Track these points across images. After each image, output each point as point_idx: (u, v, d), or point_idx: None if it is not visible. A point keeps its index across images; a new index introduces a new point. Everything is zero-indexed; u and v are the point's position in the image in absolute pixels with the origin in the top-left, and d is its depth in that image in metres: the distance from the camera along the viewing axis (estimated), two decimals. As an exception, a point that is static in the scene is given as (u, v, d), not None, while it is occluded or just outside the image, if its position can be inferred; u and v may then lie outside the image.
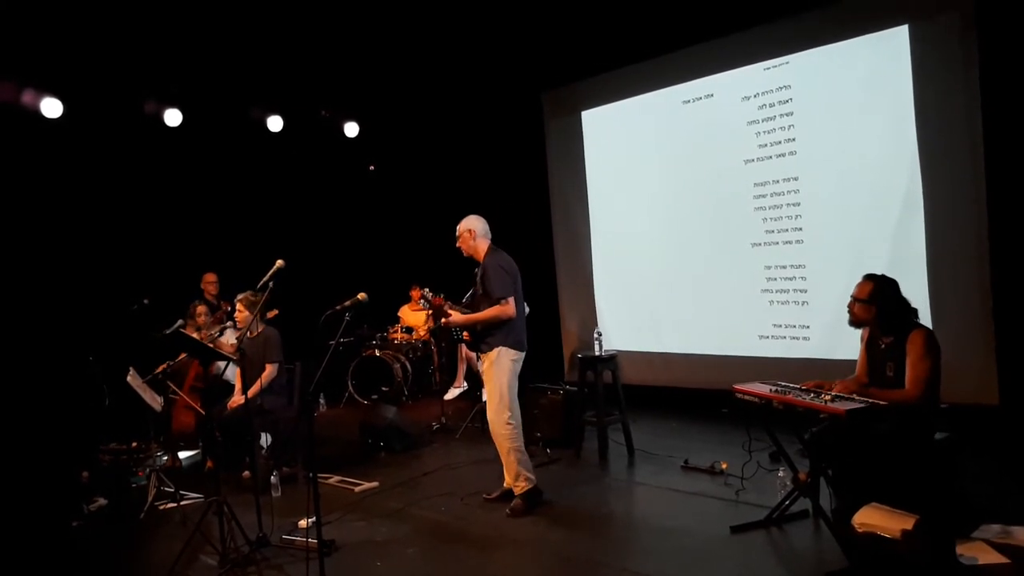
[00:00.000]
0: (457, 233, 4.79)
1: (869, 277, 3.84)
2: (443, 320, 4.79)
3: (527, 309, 5.05)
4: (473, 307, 4.80)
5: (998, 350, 5.14)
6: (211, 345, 5.11)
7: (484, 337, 4.67)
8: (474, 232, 4.76)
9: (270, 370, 5.60)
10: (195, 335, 6.05)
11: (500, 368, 4.63)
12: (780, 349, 6.29)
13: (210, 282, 7.36)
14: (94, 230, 7.42)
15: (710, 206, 6.75)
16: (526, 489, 4.67)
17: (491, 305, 4.61)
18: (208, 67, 7.23)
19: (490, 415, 4.68)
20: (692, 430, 6.34)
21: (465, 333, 4.83)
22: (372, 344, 8.71)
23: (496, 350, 4.63)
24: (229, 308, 6.58)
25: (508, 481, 4.76)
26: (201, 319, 6.69)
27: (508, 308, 4.59)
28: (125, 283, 7.06)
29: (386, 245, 9.83)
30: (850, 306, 3.87)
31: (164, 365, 6.04)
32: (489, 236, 4.83)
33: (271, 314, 6.66)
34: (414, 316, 9.16)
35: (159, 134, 7.59)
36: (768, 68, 6.28)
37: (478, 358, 7.77)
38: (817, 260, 6.06)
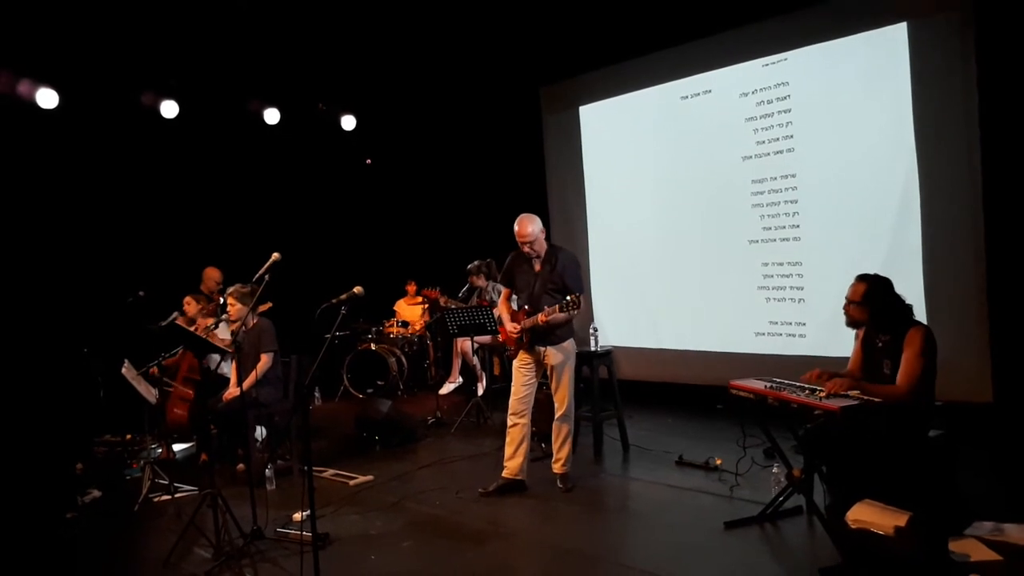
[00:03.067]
0: (532, 238, 4.76)
1: (861, 278, 3.83)
2: (540, 320, 4.71)
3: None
4: (532, 301, 4.83)
5: (992, 348, 5.16)
6: (207, 336, 5.10)
7: (558, 331, 4.80)
8: (544, 230, 4.86)
9: (265, 360, 5.59)
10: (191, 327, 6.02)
11: (572, 359, 4.90)
12: (776, 346, 6.30)
13: (213, 279, 7.28)
14: (90, 222, 7.40)
15: (707, 202, 6.75)
16: (568, 470, 4.98)
17: (558, 296, 4.69)
18: (205, 59, 7.21)
19: (561, 406, 4.87)
20: (687, 426, 6.36)
21: (525, 335, 4.84)
22: (368, 338, 8.70)
23: (568, 341, 4.87)
24: (221, 300, 6.56)
25: (557, 462, 4.96)
26: (190, 308, 6.60)
27: (582, 304, 4.84)
28: (121, 275, 7.04)
29: (382, 239, 9.83)
30: (845, 308, 3.88)
31: (156, 362, 6.02)
32: None
33: (264, 307, 6.64)
34: (410, 310, 9.16)
35: (156, 126, 7.57)
36: (766, 64, 6.27)
37: (473, 351, 7.81)
38: (814, 257, 6.06)
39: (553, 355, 4.83)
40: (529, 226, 4.77)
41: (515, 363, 4.98)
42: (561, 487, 4.92)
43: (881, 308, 3.74)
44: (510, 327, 4.93)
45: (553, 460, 5.00)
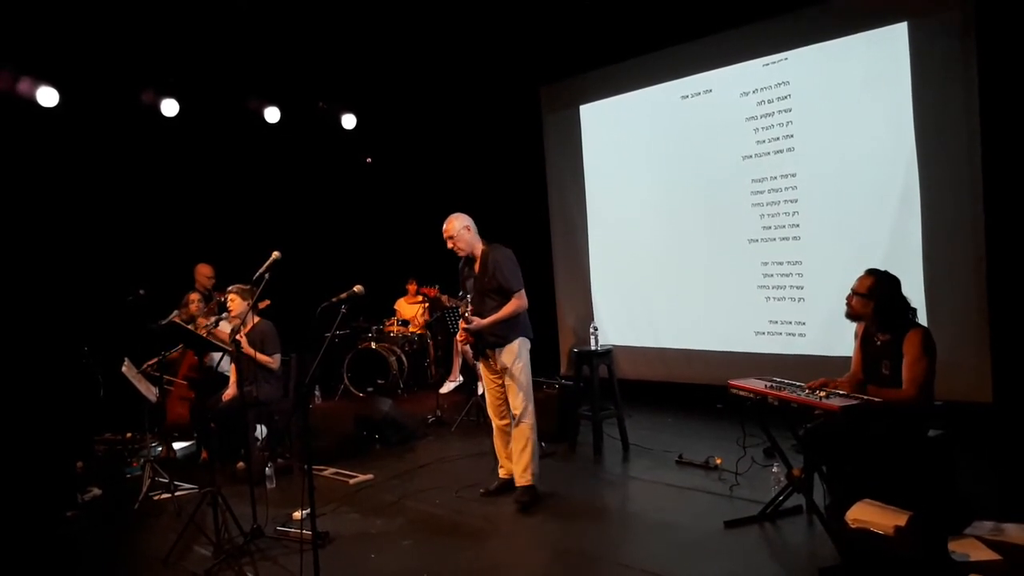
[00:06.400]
0: (452, 233, 4.69)
1: (871, 272, 3.83)
2: (466, 328, 4.70)
3: None
4: (474, 304, 4.75)
5: (992, 348, 5.16)
6: (208, 335, 5.11)
7: (498, 331, 4.65)
8: (471, 228, 4.74)
9: (268, 360, 5.59)
10: (190, 325, 6.03)
11: (522, 359, 4.69)
12: (776, 345, 6.30)
13: (204, 275, 7.29)
14: (90, 220, 7.39)
15: (707, 202, 6.75)
16: (531, 483, 4.69)
17: (498, 298, 4.62)
18: (205, 57, 7.20)
19: (515, 408, 4.69)
20: (687, 425, 6.36)
21: (464, 335, 4.79)
22: (368, 337, 8.71)
23: (516, 341, 4.67)
24: (222, 298, 6.57)
25: (516, 472, 4.73)
26: (194, 307, 6.64)
27: (524, 301, 4.68)
28: (120, 274, 7.04)
29: (383, 238, 9.82)
30: (848, 299, 3.87)
31: (157, 358, 6.02)
32: None
33: (262, 304, 6.65)
34: (410, 309, 9.16)
35: (156, 124, 7.56)
36: (767, 64, 6.27)
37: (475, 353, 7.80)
38: (814, 257, 6.06)
39: (499, 356, 4.70)
40: (448, 223, 4.72)
41: (480, 368, 4.94)
42: (515, 503, 4.65)
43: (885, 305, 3.73)
44: (460, 334, 4.88)
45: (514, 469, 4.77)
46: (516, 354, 4.67)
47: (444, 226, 4.75)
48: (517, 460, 4.72)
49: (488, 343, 4.71)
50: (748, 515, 4.18)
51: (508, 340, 4.66)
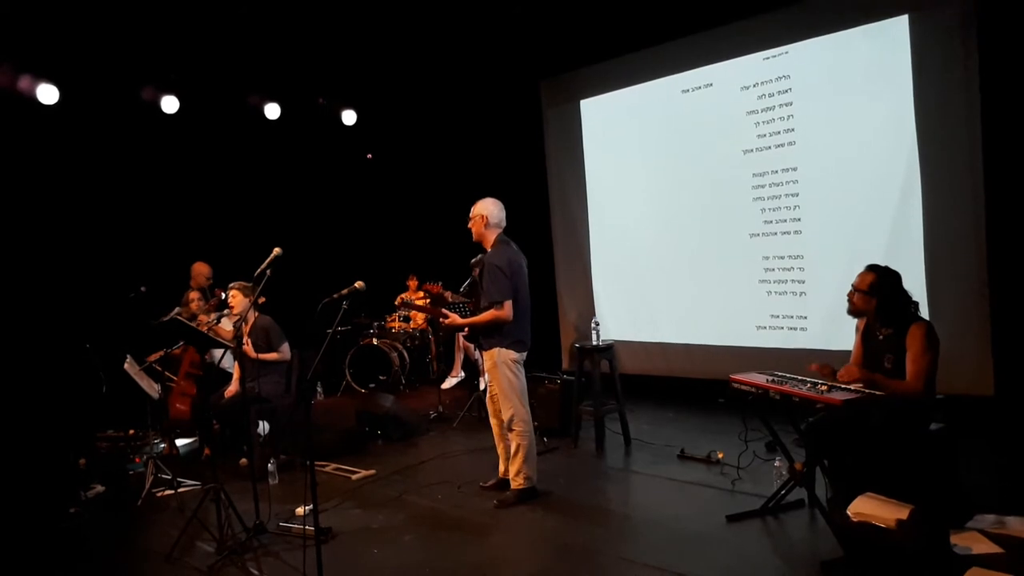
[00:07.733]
0: (470, 215, 4.69)
1: (872, 268, 3.84)
2: (441, 321, 4.73)
3: None
4: (473, 298, 4.76)
5: (994, 341, 5.15)
6: (209, 331, 5.11)
7: (482, 336, 4.64)
8: (486, 219, 4.63)
9: (278, 355, 5.60)
10: (192, 323, 6.04)
11: (503, 368, 4.58)
12: (778, 339, 6.30)
13: (203, 274, 7.25)
14: (91, 217, 7.39)
15: (708, 196, 6.74)
16: (523, 487, 4.67)
17: (488, 301, 4.55)
18: (206, 54, 7.19)
19: (503, 415, 4.66)
20: (689, 420, 6.36)
21: (466, 328, 4.82)
22: (370, 333, 8.71)
23: (494, 350, 4.58)
24: (222, 295, 6.57)
25: (510, 474, 4.74)
26: (195, 305, 6.67)
27: (503, 312, 4.48)
28: (122, 271, 7.04)
29: (384, 234, 9.82)
30: (850, 295, 3.87)
31: (158, 353, 6.03)
32: (502, 225, 4.70)
33: (260, 300, 6.64)
34: (411, 305, 9.16)
35: (156, 121, 7.56)
36: (768, 58, 6.26)
37: (476, 350, 7.81)
38: (815, 251, 6.06)
39: (484, 359, 4.72)
40: (477, 205, 4.67)
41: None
42: (495, 502, 4.66)
43: (887, 300, 3.74)
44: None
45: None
46: (495, 362, 4.59)
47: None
48: (511, 463, 4.74)
49: (476, 341, 4.72)
50: (750, 509, 4.18)
51: (486, 346, 4.63)
